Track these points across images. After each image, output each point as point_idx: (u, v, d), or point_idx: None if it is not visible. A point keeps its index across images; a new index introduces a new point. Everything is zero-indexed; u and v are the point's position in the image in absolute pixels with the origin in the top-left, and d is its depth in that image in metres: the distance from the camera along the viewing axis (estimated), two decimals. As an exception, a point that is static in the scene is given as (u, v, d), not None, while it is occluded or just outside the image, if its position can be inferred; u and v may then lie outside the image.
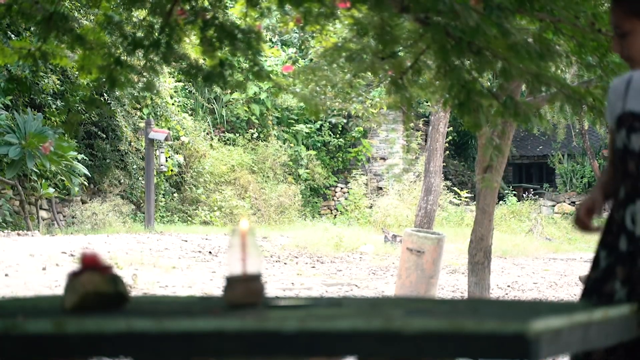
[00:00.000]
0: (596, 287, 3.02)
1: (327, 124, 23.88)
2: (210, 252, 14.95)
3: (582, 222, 3.08)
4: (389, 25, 5.31)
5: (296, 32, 20.46)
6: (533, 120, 4.75)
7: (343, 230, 18.55)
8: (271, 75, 6.02)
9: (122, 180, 19.42)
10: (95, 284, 2.81)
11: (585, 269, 14.05)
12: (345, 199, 23.57)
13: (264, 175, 22.44)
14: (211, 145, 22.06)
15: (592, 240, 19.67)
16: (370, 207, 22.70)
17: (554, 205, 25.62)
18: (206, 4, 4.78)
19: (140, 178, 19.52)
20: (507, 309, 2.70)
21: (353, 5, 4.32)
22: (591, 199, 3.09)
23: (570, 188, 25.83)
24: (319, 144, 24.03)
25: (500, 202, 23.99)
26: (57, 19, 4.46)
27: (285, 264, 14.65)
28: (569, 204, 24.85)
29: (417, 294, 10.89)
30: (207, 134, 22.35)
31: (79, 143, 17.80)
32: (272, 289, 11.28)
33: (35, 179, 16.63)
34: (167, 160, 19.83)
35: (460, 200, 23.50)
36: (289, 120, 23.93)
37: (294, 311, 2.66)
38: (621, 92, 3.01)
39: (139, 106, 19.96)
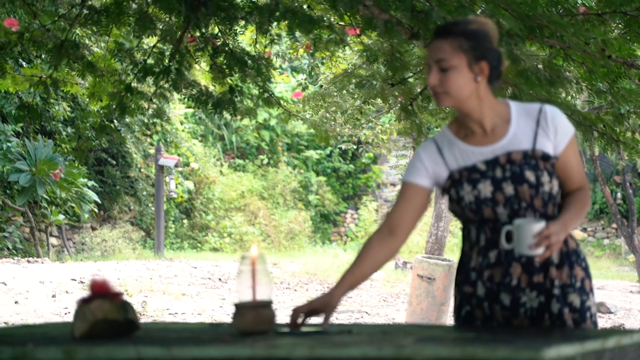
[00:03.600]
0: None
1: (337, 150, 23.90)
2: (220, 279, 14.93)
3: (293, 324, 3.03)
4: (399, 51, 5.32)
5: (306, 59, 20.51)
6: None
7: (353, 257, 18.48)
8: (281, 102, 6.03)
9: (132, 207, 19.44)
10: (105, 312, 2.80)
11: (596, 295, 13.97)
12: (356, 225, 23.54)
13: (274, 202, 22.44)
14: (221, 171, 22.09)
15: (603, 267, 19.58)
16: (381, 234, 22.63)
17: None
18: (216, 31, 4.79)
19: (150, 204, 19.55)
20: (518, 336, 2.68)
21: (363, 32, 4.33)
22: (323, 303, 3.05)
23: (581, 214, 25.79)
24: (329, 170, 24.03)
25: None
26: (69, 47, 4.48)
27: (295, 290, 14.62)
28: (580, 231, 24.77)
29: (428, 321, 10.84)
30: (217, 160, 22.38)
31: (89, 169, 17.84)
32: (282, 317, 11.25)
33: (46, 205, 16.66)
34: (177, 187, 19.84)
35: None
36: (299, 147, 23.96)
37: (304, 338, 2.65)
38: (436, 156, 3.16)
39: (149, 133, 20.02)
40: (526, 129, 3.10)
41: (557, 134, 3.09)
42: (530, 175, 3.03)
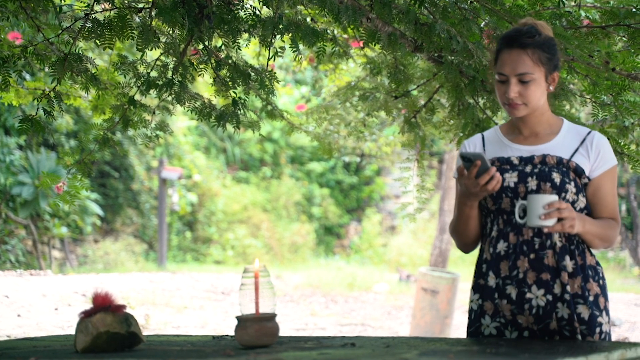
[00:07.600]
0: (469, 332, 3.25)
1: (341, 162, 23.90)
2: (222, 292, 14.91)
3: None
4: (403, 64, 5.32)
5: (309, 71, 20.55)
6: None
7: (357, 269, 18.47)
8: (284, 114, 6.02)
9: (134, 220, 19.44)
10: (108, 325, 2.79)
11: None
12: (359, 237, 23.51)
13: (277, 214, 22.42)
14: (224, 184, 22.09)
15: (607, 280, 19.51)
16: (384, 246, 22.63)
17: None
18: (219, 43, 4.79)
19: (152, 217, 19.54)
20: (523, 350, 2.67)
21: (366, 44, 4.32)
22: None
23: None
24: (332, 183, 24.02)
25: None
26: (72, 60, 4.47)
27: (298, 303, 14.60)
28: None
29: (431, 334, 10.81)
30: (220, 172, 22.39)
31: (91, 182, 17.84)
32: (285, 329, 11.22)
33: (48, 218, 16.67)
34: (179, 199, 19.83)
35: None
36: (302, 159, 23.97)
37: (308, 352, 2.64)
38: (479, 147, 3.29)
39: (151, 146, 20.04)
40: (570, 143, 3.18)
41: (598, 159, 3.17)
42: (556, 177, 3.11)
